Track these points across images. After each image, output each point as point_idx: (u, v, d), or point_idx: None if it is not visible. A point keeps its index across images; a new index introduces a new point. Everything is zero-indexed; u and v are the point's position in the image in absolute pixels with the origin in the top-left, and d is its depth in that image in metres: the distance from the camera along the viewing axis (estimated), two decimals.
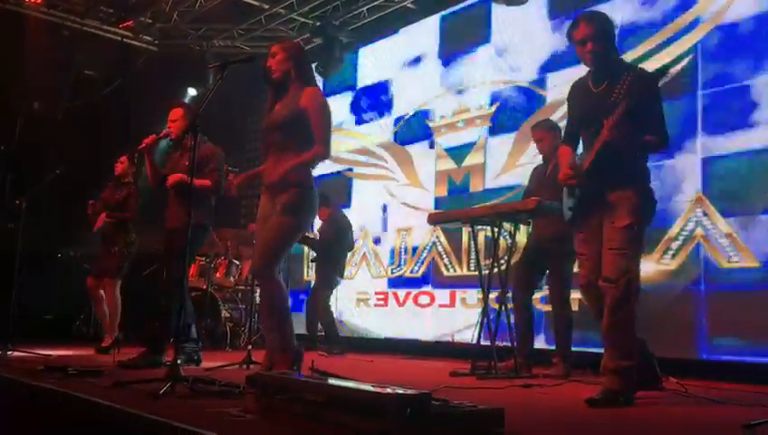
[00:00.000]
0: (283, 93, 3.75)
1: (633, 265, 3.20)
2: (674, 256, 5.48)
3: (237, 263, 7.87)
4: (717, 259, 5.24)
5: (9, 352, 4.93)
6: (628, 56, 5.76)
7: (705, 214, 5.34)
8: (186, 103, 4.94)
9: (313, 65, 8.59)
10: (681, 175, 5.51)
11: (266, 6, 8.49)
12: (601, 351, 5.58)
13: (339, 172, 8.67)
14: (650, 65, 5.76)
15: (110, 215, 5.91)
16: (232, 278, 7.79)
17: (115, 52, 9.01)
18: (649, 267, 5.58)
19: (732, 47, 5.37)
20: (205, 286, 7.46)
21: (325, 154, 3.65)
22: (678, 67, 5.66)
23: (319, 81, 8.88)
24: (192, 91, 9.49)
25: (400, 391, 2.19)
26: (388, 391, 2.21)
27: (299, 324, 6.88)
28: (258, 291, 7.02)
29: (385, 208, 8.08)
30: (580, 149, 3.60)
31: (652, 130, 3.28)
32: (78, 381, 3.40)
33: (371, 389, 2.26)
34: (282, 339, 3.57)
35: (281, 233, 3.56)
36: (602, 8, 5.75)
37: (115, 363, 4.33)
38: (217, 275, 7.72)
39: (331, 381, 2.70)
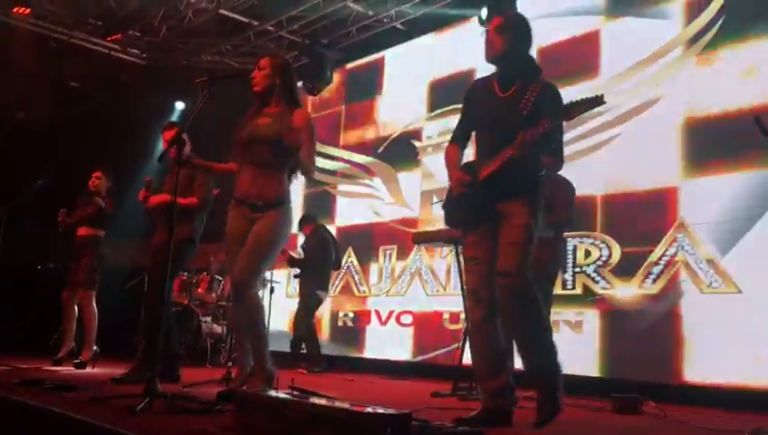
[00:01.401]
0: (264, 107, 3.73)
1: (528, 260, 3.02)
2: (655, 280, 5.52)
3: (220, 278, 7.82)
4: (698, 284, 5.28)
5: None
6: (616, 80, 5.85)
7: (686, 239, 5.39)
8: (179, 124, 4.93)
9: (300, 83, 8.64)
10: (663, 200, 5.56)
11: (255, 23, 8.53)
12: (586, 374, 5.66)
13: (323, 190, 8.67)
14: (636, 89, 5.86)
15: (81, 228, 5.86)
16: (214, 294, 7.74)
17: (102, 64, 8.99)
18: (631, 291, 5.63)
19: (712, 76, 5.46)
20: (186, 302, 7.40)
21: (310, 170, 3.64)
22: (660, 95, 5.74)
23: (305, 95, 8.93)
24: (180, 105, 9.48)
25: (381, 411, 2.18)
26: (369, 410, 2.20)
27: (281, 342, 6.84)
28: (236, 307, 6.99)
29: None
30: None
31: (551, 150, 3.14)
32: (54, 395, 3.36)
33: (352, 408, 2.25)
34: (257, 356, 3.54)
35: (264, 248, 3.54)
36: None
37: (98, 378, 4.27)
38: (199, 290, 7.67)
39: (312, 399, 2.69)
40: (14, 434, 3.02)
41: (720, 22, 5.49)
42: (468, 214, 3.18)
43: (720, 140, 5.32)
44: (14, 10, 8.18)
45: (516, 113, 3.04)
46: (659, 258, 5.51)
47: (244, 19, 8.44)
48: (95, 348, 5.82)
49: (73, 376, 4.69)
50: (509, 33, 3.17)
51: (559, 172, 5.11)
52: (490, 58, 3.23)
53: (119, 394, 3.26)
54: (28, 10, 8.22)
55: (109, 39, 8.96)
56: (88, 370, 5.46)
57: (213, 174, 4.53)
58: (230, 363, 4.92)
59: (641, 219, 5.65)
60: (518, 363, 3.17)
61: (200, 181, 4.72)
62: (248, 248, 3.53)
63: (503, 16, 3.31)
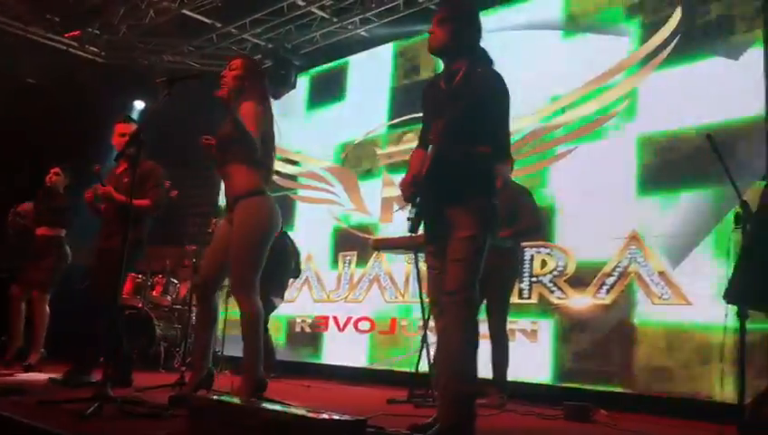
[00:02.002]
0: (233, 108, 3.72)
1: (474, 278, 2.87)
2: (608, 291, 5.62)
3: (176, 282, 7.71)
4: (650, 296, 5.40)
5: None
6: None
7: (639, 251, 5.51)
8: (136, 120, 4.81)
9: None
10: (616, 212, 5.68)
11: (219, 25, 8.45)
12: (539, 380, 5.74)
13: (283, 195, 8.62)
14: (592, 104, 5.98)
15: (44, 226, 5.72)
16: (169, 297, 7.63)
17: (60, 61, 8.80)
18: (585, 302, 5.73)
19: (667, 93, 5.61)
20: (140, 304, 7.28)
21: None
22: (617, 110, 5.87)
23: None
24: (139, 104, 9.33)
25: (336, 417, 2.18)
26: (324, 416, 2.19)
27: (235, 347, 6.76)
28: (194, 311, 6.91)
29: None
30: None
31: (485, 138, 2.90)
32: (0, 399, 3.27)
33: (307, 414, 2.24)
34: (248, 364, 3.52)
35: (245, 248, 3.51)
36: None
37: (46, 381, 4.17)
38: (154, 293, 7.55)
39: (267, 405, 2.67)
40: None
41: (675, 42, 5.64)
42: (422, 218, 2.99)
43: (673, 156, 5.47)
44: None
45: (457, 109, 2.85)
46: (613, 269, 5.62)
47: (207, 20, 8.36)
48: (42, 350, 5.69)
49: (20, 379, 4.57)
50: (450, 24, 3.00)
51: (512, 176, 5.21)
52: (432, 51, 3.10)
53: (68, 398, 3.19)
54: None
55: (67, 36, 8.79)
56: (34, 373, 5.32)
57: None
58: (184, 368, 4.85)
59: (596, 231, 5.75)
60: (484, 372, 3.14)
61: (153, 183, 4.61)
62: (233, 252, 3.50)
63: (444, 6, 3.14)
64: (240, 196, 3.55)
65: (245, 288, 3.51)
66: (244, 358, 3.55)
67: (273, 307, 7.14)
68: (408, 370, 6.06)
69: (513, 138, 6.17)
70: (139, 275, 7.47)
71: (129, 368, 4.60)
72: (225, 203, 3.75)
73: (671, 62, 5.65)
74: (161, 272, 7.68)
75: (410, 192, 2.97)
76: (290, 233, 7.84)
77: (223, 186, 3.73)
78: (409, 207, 3.01)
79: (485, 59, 3.04)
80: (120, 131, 4.64)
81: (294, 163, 8.72)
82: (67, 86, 8.46)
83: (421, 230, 3.04)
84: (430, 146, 2.93)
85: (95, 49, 9.16)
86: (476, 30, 3.05)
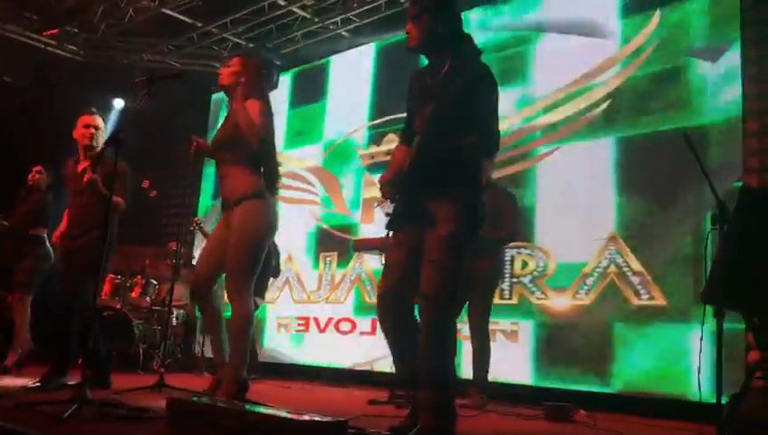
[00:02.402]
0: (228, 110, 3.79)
1: (454, 282, 2.74)
2: (588, 291, 5.66)
3: (155, 282, 7.64)
4: (628, 296, 5.45)
5: None
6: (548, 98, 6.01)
7: (619, 252, 5.56)
8: (100, 113, 4.66)
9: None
10: (596, 213, 5.73)
11: (199, 24, 8.40)
12: (519, 381, 5.77)
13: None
14: (573, 105, 6.02)
15: (22, 226, 5.64)
16: (148, 298, 7.56)
17: (37, 60, 8.70)
18: (564, 302, 5.77)
19: (647, 95, 5.66)
20: (118, 306, 7.21)
21: (253, 133, 3.54)
22: (597, 111, 5.92)
23: None
24: (119, 103, 9.24)
25: (317, 419, 2.18)
26: (305, 418, 2.19)
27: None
28: (175, 313, 6.86)
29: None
30: None
31: (477, 130, 2.78)
32: None
33: (288, 416, 2.24)
34: (231, 365, 3.52)
35: (241, 251, 3.52)
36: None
37: (19, 386, 4.11)
38: (132, 294, 7.47)
39: (247, 407, 2.65)
40: None
41: (655, 43, 5.70)
42: (398, 213, 2.89)
43: (652, 157, 5.52)
44: None
45: (444, 100, 2.75)
46: (593, 270, 5.66)
47: (187, 19, 8.29)
48: (19, 352, 5.61)
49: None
50: (424, 18, 2.87)
51: (499, 183, 5.23)
52: (411, 49, 2.97)
53: (45, 401, 3.15)
54: None
55: (45, 34, 8.68)
56: (10, 375, 5.24)
57: None
58: (162, 370, 4.81)
59: (577, 232, 5.79)
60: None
61: (121, 184, 4.46)
62: (230, 253, 3.51)
63: (414, 1, 2.96)
64: (240, 198, 3.56)
65: (241, 290, 3.52)
66: (230, 359, 3.54)
67: (256, 307, 7.12)
68: (389, 371, 6.07)
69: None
70: (118, 276, 7.40)
71: (107, 370, 4.55)
72: (221, 204, 3.75)
73: (651, 63, 5.70)
74: (140, 273, 7.61)
75: (389, 189, 2.88)
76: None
77: (221, 185, 3.74)
78: (388, 203, 2.92)
79: (471, 49, 2.93)
80: (83, 123, 4.50)
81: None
82: (44, 85, 8.37)
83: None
84: (416, 138, 2.85)
85: (74, 48, 9.06)
86: (454, 17, 2.92)
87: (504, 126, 6.31)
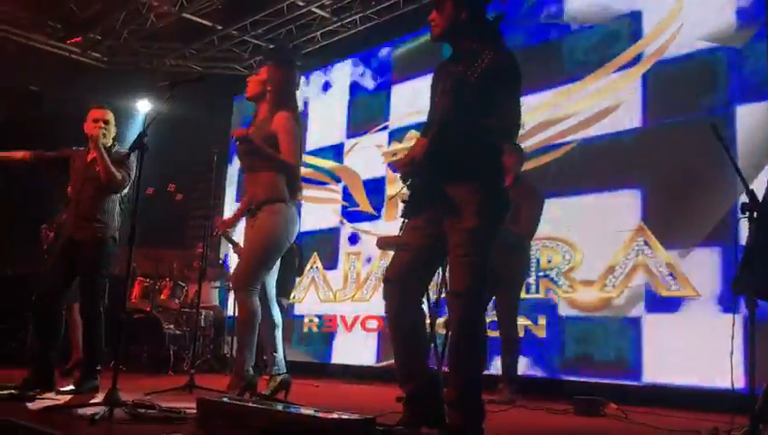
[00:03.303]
0: (257, 115, 3.86)
1: (482, 276, 2.69)
2: (615, 284, 5.61)
3: (183, 285, 7.72)
4: (657, 288, 5.38)
5: None
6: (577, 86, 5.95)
7: (647, 243, 5.49)
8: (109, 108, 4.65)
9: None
10: (623, 205, 5.66)
11: (219, 27, 8.46)
12: (549, 376, 5.73)
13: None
14: (596, 96, 5.96)
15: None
16: (177, 300, 7.64)
17: (62, 67, 8.83)
18: (592, 295, 5.71)
19: (674, 82, 5.58)
20: (148, 308, 7.29)
21: (291, 167, 3.72)
22: (622, 100, 5.85)
23: None
24: (143, 107, 9.33)
25: (345, 417, 2.18)
26: (333, 416, 2.19)
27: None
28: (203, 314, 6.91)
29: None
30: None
31: (498, 114, 2.72)
32: (11, 404, 3.28)
33: (316, 414, 2.24)
34: (240, 362, 3.59)
35: (257, 251, 3.62)
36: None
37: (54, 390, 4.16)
38: (161, 296, 7.56)
39: (275, 406, 2.67)
40: None
41: (679, 29, 5.61)
42: (415, 198, 2.78)
43: (679, 146, 5.44)
44: None
45: (466, 82, 2.65)
46: (620, 262, 5.60)
47: (207, 23, 8.37)
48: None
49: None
50: (447, 6, 2.83)
51: (525, 177, 5.19)
52: (435, 39, 2.94)
53: (78, 403, 3.19)
54: None
55: (69, 42, 8.81)
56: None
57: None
58: (193, 371, 4.85)
59: (603, 224, 5.73)
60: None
61: (125, 167, 4.35)
62: (245, 251, 3.64)
63: None
64: (264, 201, 3.67)
65: (247, 289, 3.59)
66: (236, 354, 3.64)
67: (282, 307, 7.15)
68: None
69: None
70: (147, 279, 7.49)
71: (50, 370, 4.46)
72: (248, 209, 3.84)
73: (676, 50, 5.62)
74: (168, 275, 7.70)
75: (407, 170, 2.77)
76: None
77: (246, 189, 3.84)
78: (405, 190, 2.83)
79: (495, 35, 2.86)
80: (93, 117, 4.52)
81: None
82: (69, 92, 8.49)
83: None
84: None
85: (97, 54, 9.18)
86: (477, 4, 2.87)
87: (526, 118, 6.32)
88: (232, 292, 6.99)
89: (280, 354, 3.83)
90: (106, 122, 4.44)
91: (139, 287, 7.43)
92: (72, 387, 4.11)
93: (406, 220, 2.84)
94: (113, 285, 7.15)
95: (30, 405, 3.29)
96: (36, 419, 2.83)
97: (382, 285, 2.88)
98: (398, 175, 2.84)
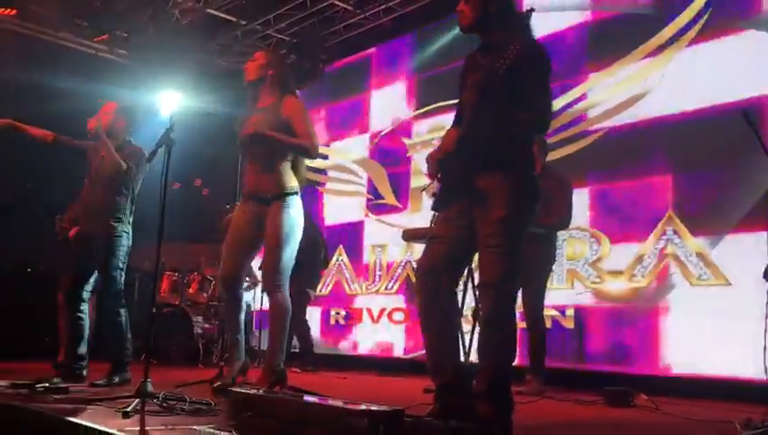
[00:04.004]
0: (257, 101, 3.79)
1: (514, 267, 2.67)
2: (644, 273, 5.54)
3: (211, 279, 7.79)
4: (687, 277, 5.31)
5: None
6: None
7: (676, 232, 5.42)
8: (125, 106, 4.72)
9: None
10: (650, 193, 5.59)
11: (243, 22, 8.50)
12: (578, 368, 5.69)
13: (313, 188, 8.65)
14: (623, 83, 5.88)
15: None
16: (205, 294, 7.71)
17: (88, 64, 8.93)
18: (620, 285, 5.66)
19: (704, 68, 5.48)
20: (177, 302, 7.38)
21: (314, 148, 3.69)
22: (649, 88, 5.76)
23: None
24: (169, 102, 9.38)
25: (373, 408, 2.18)
26: (361, 408, 2.20)
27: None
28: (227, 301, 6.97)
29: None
30: None
31: (528, 105, 2.70)
32: (45, 397, 3.34)
33: (344, 406, 2.25)
34: (273, 357, 3.60)
35: (280, 245, 3.60)
36: None
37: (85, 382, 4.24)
38: (190, 290, 7.64)
39: (304, 398, 2.68)
40: None
41: (706, 17, 5.52)
42: (446, 190, 2.78)
43: (708, 134, 5.35)
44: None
45: (494, 74, 2.64)
46: (649, 252, 5.53)
47: (231, 18, 8.41)
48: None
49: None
50: None
51: (553, 167, 5.14)
52: (464, 29, 2.91)
53: (110, 396, 3.24)
54: (13, 11, 8.16)
55: (96, 40, 8.91)
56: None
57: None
58: (222, 363, 4.90)
59: (631, 213, 5.67)
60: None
61: (134, 158, 4.43)
62: (268, 249, 3.61)
63: None
64: (279, 194, 3.63)
65: (280, 284, 3.61)
66: (268, 347, 3.63)
67: (309, 298, 7.20)
68: None
69: None
70: (175, 273, 7.57)
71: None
72: (247, 196, 3.76)
73: (703, 36, 5.52)
74: (196, 269, 7.77)
75: (437, 167, 2.77)
76: (320, 226, 7.90)
77: (249, 176, 3.76)
78: (435, 184, 2.82)
79: (523, 26, 2.83)
80: (104, 111, 4.58)
81: (322, 156, 8.74)
82: (96, 89, 8.58)
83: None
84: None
85: (123, 51, 9.27)
86: None
87: (553, 107, 6.25)
88: (256, 287, 7.06)
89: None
90: (113, 114, 4.48)
91: (167, 281, 7.52)
92: (104, 380, 4.18)
93: (437, 213, 2.83)
94: (142, 279, 7.30)
95: (63, 398, 3.35)
96: (69, 412, 2.88)
97: (413, 276, 2.90)
98: (428, 169, 2.84)
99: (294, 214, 3.70)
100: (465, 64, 3.01)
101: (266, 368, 3.59)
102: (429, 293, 2.80)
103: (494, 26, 2.82)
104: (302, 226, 3.79)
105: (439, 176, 2.78)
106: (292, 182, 3.74)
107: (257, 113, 3.75)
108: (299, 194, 3.77)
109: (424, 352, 2.89)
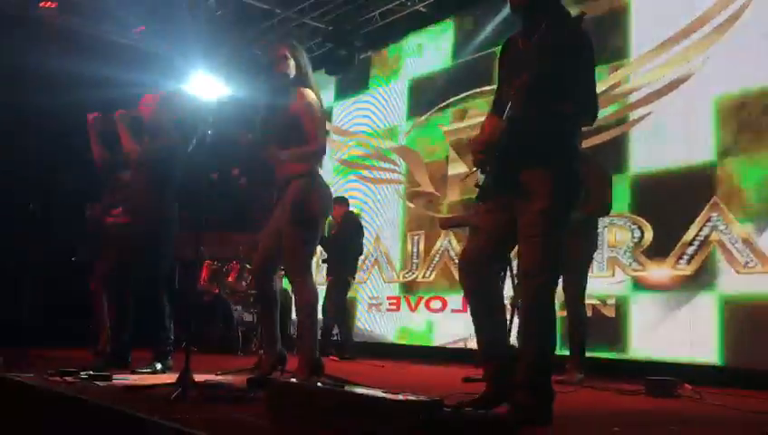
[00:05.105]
0: (281, 93, 3.74)
1: (554, 257, 2.67)
2: (689, 261, 5.42)
3: (249, 267, 7.87)
4: (733, 264, 5.18)
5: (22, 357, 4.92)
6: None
7: (721, 219, 5.28)
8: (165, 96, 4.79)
9: (323, 70, 8.63)
10: (695, 179, 5.46)
11: (278, 11, 8.51)
12: (618, 356, 5.60)
13: (350, 176, 8.66)
14: (666, 67, 5.74)
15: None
16: (244, 283, 7.80)
17: (128, 55, 9.05)
18: (665, 273, 5.54)
19: (747, 50, 5.32)
20: (217, 290, 7.47)
21: (318, 151, 3.58)
22: (693, 70, 5.62)
23: (330, 84, 8.92)
24: (206, 92, 9.47)
25: (412, 398, 2.17)
26: (400, 397, 2.18)
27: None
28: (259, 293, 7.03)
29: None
30: None
31: (571, 96, 2.66)
32: (89, 385, 3.41)
33: (383, 395, 2.24)
34: (308, 345, 3.55)
35: (300, 230, 3.51)
36: None
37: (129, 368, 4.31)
38: (229, 279, 7.73)
39: (343, 387, 2.68)
40: (52, 424, 3.07)
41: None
42: (488, 183, 2.77)
43: (755, 117, 5.20)
44: (41, 4, 8.27)
45: (533, 64, 2.62)
46: (693, 239, 5.41)
47: (266, 6, 8.43)
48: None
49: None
50: None
51: (591, 155, 5.05)
52: (513, 7, 2.84)
53: (153, 383, 3.29)
54: (55, 4, 8.30)
55: (134, 31, 9.02)
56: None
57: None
58: (261, 351, 4.94)
59: (674, 199, 5.55)
60: None
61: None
62: (285, 239, 3.51)
63: None
64: (292, 176, 3.55)
65: (301, 272, 3.51)
66: (299, 339, 3.57)
67: (349, 286, 7.23)
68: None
69: None
70: (215, 262, 7.67)
71: (125, 351, 4.57)
72: (277, 184, 3.71)
73: (749, 17, 5.35)
74: (235, 258, 7.85)
75: (482, 156, 2.75)
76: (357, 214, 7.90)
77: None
78: (479, 174, 2.80)
79: (564, 11, 2.81)
80: (145, 102, 4.65)
81: (359, 144, 8.74)
82: (135, 78, 8.70)
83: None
84: (508, 107, 2.72)
85: (161, 42, 9.36)
86: None
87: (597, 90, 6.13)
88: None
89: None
90: (147, 105, 4.56)
91: (207, 270, 7.62)
92: (146, 368, 4.25)
93: (480, 204, 2.83)
94: (183, 268, 7.40)
95: (106, 386, 3.41)
96: (113, 399, 2.93)
97: (458, 266, 2.89)
98: (473, 159, 2.82)
99: (313, 196, 3.54)
100: (504, 48, 2.97)
101: (301, 360, 3.56)
102: (474, 284, 2.82)
103: (540, 9, 2.76)
104: (326, 208, 3.67)
105: (483, 166, 2.76)
106: (305, 164, 3.57)
107: (273, 108, 3.68)
108: (314, 177, 3.59)
109: (461, 341, 2.93)
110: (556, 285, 2.75)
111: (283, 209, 3.54)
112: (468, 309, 2.91)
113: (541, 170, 2.66)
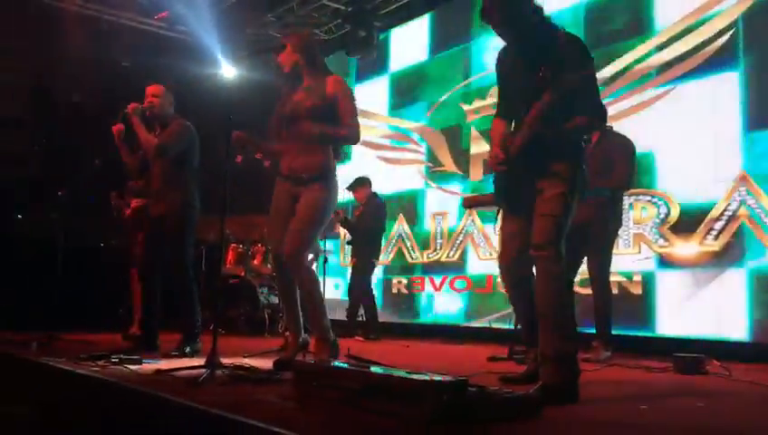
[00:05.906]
0: (298, 84, 3.73)
1: (561, 236, 2.85)
2: (717, 236, 5.35)
3: None
4: (762, 239, 5.10)
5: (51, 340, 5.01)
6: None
7: (749, 192, 5.20)
8: (169, 85, 4.83)
9: (344, 51, 8.60)
10: (723, 152, 5.37)
11: None
12: (646, 334, 5.57)
13: (371, 157, 8.65)
14: (691, 39, 5.63)
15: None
16: (269, 265, 7.85)
17: (149, 42, 9.11)
18: (692, 249, 5.48)
19: None
20: (243, 273, 7.53)
21: (357, 135, 3.65)
22: (719, 42, 5.50)
23: (350, 65, 8.89)
24: (227, 77, 9.49)
25: (437, 378, 2.18)
26: (426, 377, 2.20)
27: (337, 310, 6.92)
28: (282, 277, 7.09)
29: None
30: None
31: (582, 109, 2.84)
32: (120, 368, 3.47)
33: (408, 375, 2.25)
34: (316, 328, 3.59)
35: (311, 220, 3.57)
36: None
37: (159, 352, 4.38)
38: (254, 262, 7.78)
39: (369, 367, 2.70)
40: (82, 407, 3.14)
41: None
42: (509, 192, 3.04)
43: None
44: None
45: (536, 81, 2.74)
46: (721, 213, 5.33)
47: None
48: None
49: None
50: (502, 11, 2.91)
51: (615, 130, 4.99)
52: (495, 30, 3.01)
53: (181, 366, 3.34)
54: None
55: (156, 18, 9.06)
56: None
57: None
58: (287, 333, 4.99)
59: (701, 173, 5.47)
60: None
61: (175, 135, 4.59)
62: (296, 222, 3.56)
63: None
64: (317, 175, 3.58)
65: (301, 258, 3.57)
66: (314, 323, 3.61)
67: (373, 267, 7.25)
68: (506, 327, 6.02)
69: (610, 80, 5.94)
70: (240, 245, 7.72)
71: (154, 336, 4.63)
72: (285, 175, 3.71)
73: None
74: (260, 241, 7.90)
75: (499, 170, 3.01)
76: (380, 194, 7.89)
77: (287, 155, 3.71)
78: (498, 181, 3.07)
79: (550, 26, 2.94)
80: (150, 93, 4.68)
81: (381, 125, 8.71)
82: (156, 66, 8.75)
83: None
84: (516, 121, 2.98)
85: (183, 27, 9.40)
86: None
87: (616, 68, 6.06)
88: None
89: None
90: (154, 96, 4.61)
91: (232, 253, 7.67)
92: (176, 351, 4.32)
93: (501, 208, 3.15)
94: (209, 251, 7.47)
95: (137, 369, 3.47)
96: (143, 382, 2.99)
97: (499, 270, 3.19)
98: (490, 164, 3.07)
99: (329, 196, 3.64)
100: (501, 55, 3.13)
101: (319, 340, 3.59)
102: (513, 281, 3.12)
103: (524, 25, 2.91)
104: (336, 204, 3.80)
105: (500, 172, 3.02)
106: (330, 163, 3.66)
107: (299, 93, 3.69)
108: (335, 174, 3.71)
109: (486, 320, 3.09)
110: (563, 257, 2.86)
111: (304, 202, 3.58)
112: (509, 299, 3.26)
113: (552, 175, 2.88)
